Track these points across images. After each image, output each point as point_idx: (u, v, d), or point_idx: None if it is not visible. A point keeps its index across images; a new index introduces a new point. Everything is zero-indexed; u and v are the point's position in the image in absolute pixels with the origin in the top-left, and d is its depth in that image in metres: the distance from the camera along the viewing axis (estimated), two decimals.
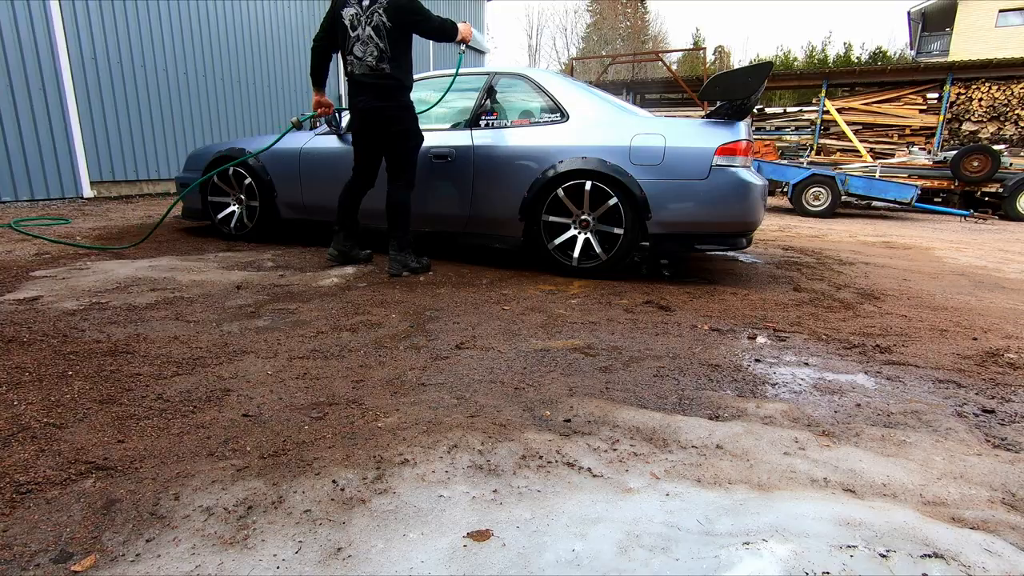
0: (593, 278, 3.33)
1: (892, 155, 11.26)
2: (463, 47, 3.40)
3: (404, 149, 3.20)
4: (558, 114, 3.41)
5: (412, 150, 3.23)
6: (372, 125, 3.13)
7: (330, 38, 3.13)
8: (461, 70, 3.77)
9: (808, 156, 11.64)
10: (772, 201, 10.93)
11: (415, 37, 3.12)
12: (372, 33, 3.00)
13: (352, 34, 3.01)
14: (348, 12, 3.02)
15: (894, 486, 1.27)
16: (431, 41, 3.42)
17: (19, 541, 1.01)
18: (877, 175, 9.83)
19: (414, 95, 3.28)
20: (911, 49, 26.92)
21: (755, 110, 12.18)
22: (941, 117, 11.52)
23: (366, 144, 3.22)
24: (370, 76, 3.05)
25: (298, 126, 3.74)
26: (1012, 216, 9.03)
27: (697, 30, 48.57)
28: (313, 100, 3.39)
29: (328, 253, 3.43)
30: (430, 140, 3.52)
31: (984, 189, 9.46)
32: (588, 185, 3.19)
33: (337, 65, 10.27)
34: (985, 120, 11.36)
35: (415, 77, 3.41)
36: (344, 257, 3.42)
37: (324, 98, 3.37)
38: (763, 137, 12.73)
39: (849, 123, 12.06)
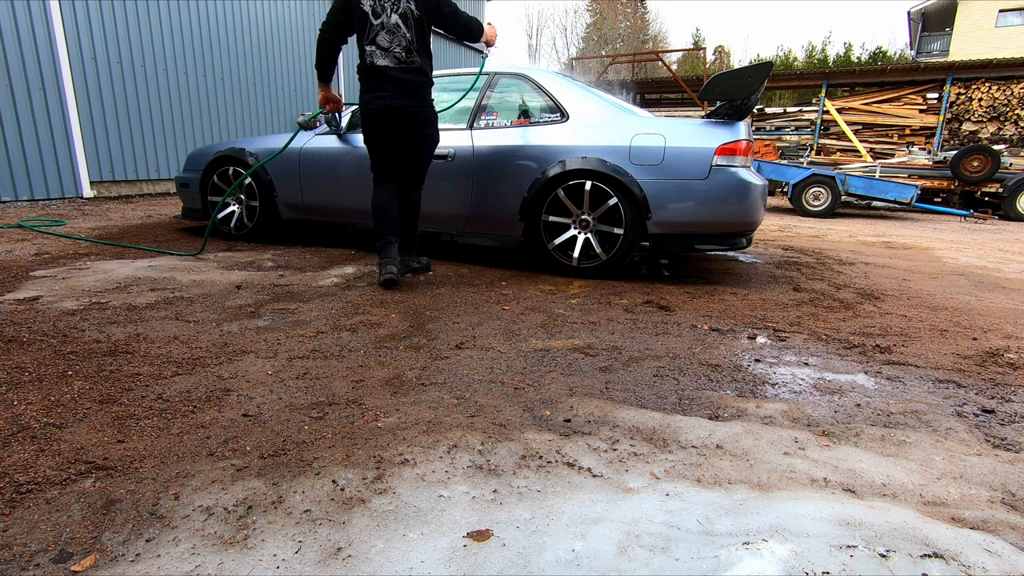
0: (593, 278, 3.33)
1: (892, 155, 11.26)
2: (487, 50, 3.26)
3: (428, 151, 3.05)
4: (558, 114, 3.41)
5: (432, 152, 3.10)
6: (398, 124, 2.87)
7: (342, 27, 2.84)
8: (460, 70, 3.77)
9: (808, 156, 11.64)
10: (772, 201, 10.93)
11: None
12: (399, 22, 2.76)
13: (375, 22, 2.76)
14: None
15: (894, 486, 1.27)
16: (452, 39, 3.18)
17: (19, 541, 1.01)
18: (877, 175, 9.84)
19: None
20: (911, 49, 26.94)
21: (755, 110, 12.19)
22: (941, 117, 11.52)
23: (388, 144, 2.94)
24: (398, 70, 2.81)
25: (305, 126, 3.56)
26: (1012, 216, 9.03)
27: (697, 30, 48.59)
28: (319, 96, 3.14)
29: (385, 275, 2.89)
30: None
31: (984, 189, 9.46)
32: (588, 185, 3.19)
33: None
34: (985, 120, 11.36)
35: None
36: (405, 269, 3.09)
37: (332, 93, 3.14)
38: (763, 137, 12.73)
39: (849, 123, 12.06)
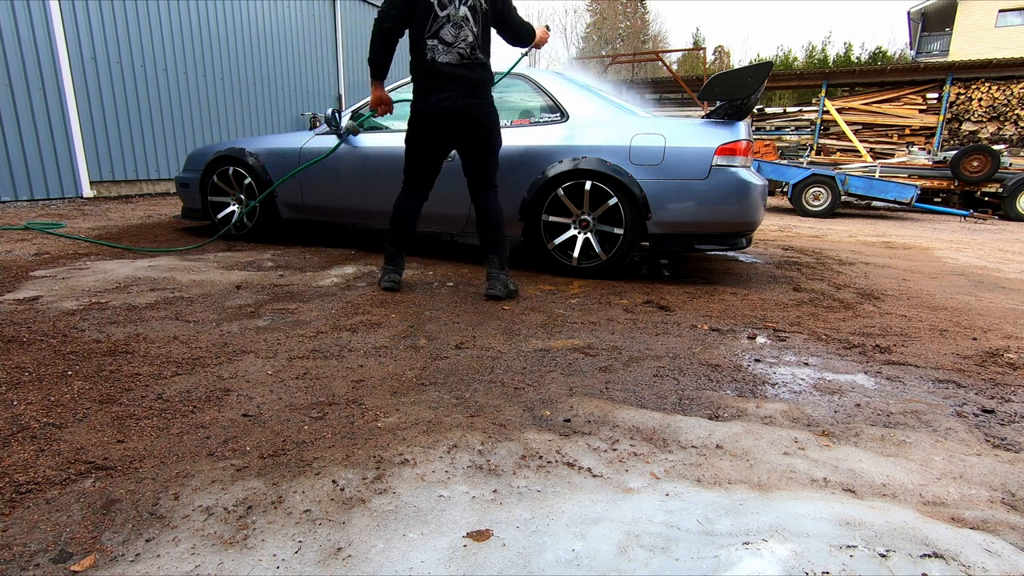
0: (593, 278, 3.33)
1: (892, 155, 11.26)
2: (527, 50, 3.11)
3: (495, 154, 2.85)
4: (558, 114, 3.40)
5: (497, 152, 2.88)
6: (458, 126, 2.67)
7: (404, 18, 2.58)
8: None
9: (808, 156, 11.64)
10: (772, 201, 10.93)
11: None
12: (468, 15, 2.57)
13: (441, 13, 2.54)
14: None
15: (894, 486, 1.27)
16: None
17: (19, 541, 1.01)
18: (877, 175, 9.84)
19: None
20: (911, 49, 26.95)
21: (755, 110, 12.18)
22: (941, 117, 11.52)
23: (438, 150, 2.76)
24: (460, 67, 2.60)
25: (355, 131, 3.21)
26: (1012, 216, 9.03)
27: (697, 30, 48.62)
28: (372, 96, 2.85)
29: (386, 283, 2.88)
30: None
31: (984, 189, 9.46)
32: (588, 185, 3.19)
33: (339, 58, 10.27)
34: (985, 120, 11.36)
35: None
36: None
37: (385, 93, 2.88)
38: (763, 137, 12.73)
39: (849, 123, 12.06)
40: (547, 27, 3.03)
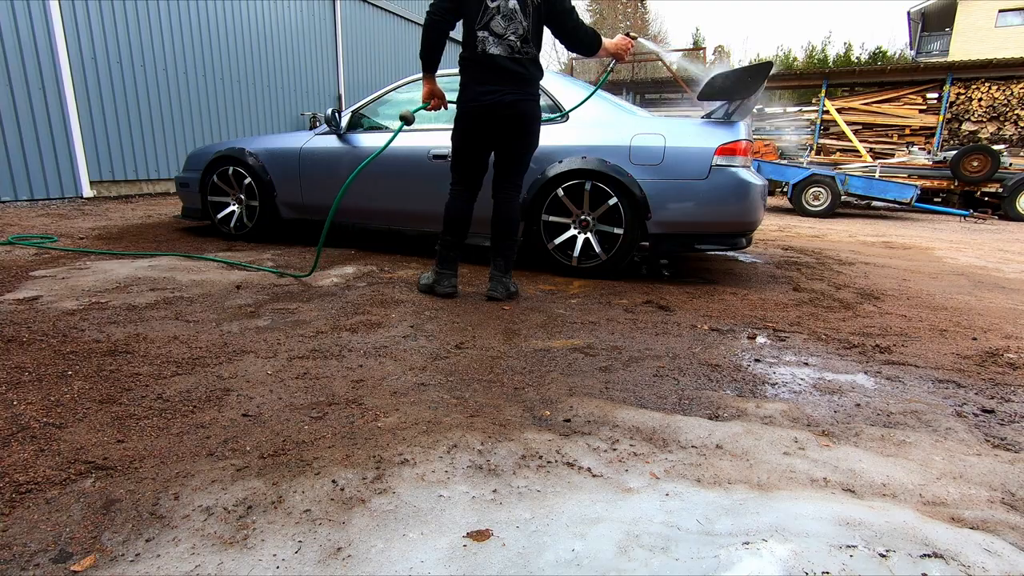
0: (593, 278, 3.33)
1: (892, 155, 11.26)
2: (611, 63, 2.94)
3: (531, 154, 2.80)
4: (558, 114, 3.40)
5: (532, 153, 2.83)
6: (504, 121, 2.62)
7: (454, 10, 2.53)
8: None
9: (808, 156, 11.64)
10: (772, 201, 10.93)
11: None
12: (517, 6, 2.53)
13: (491, 4, 2.51)
14: None
15: (894, 486, 1.27)
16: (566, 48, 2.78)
17: (19, 541, 1.01)
18: (877, 175, 9.84)
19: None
20: (911, 49, 26.95)
21: (755, 110, 12.16)
22: (941, 117, 11.52)
23: (486, 145, 2.71)
24: (511, 61, 2.56)
25: (408, 119, 2.93)
26: (1012, 216, 9.03)
27: (697, 30, 48.59)
28: (424, 89, 2.77)
29: (447, 288, 2.83)
30: (430, 140, 3.51)
31: (984, 189, 9.46)
32: (588, 185, 3.19)
33: (338, 59, 10.27)
34: (985, 120, 11.36)
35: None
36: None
37: (437, 86, 2.79)
38: (763, 137, 12.73)
39: (849, 123, 12.06)
40: (629, 34, 2.83)
